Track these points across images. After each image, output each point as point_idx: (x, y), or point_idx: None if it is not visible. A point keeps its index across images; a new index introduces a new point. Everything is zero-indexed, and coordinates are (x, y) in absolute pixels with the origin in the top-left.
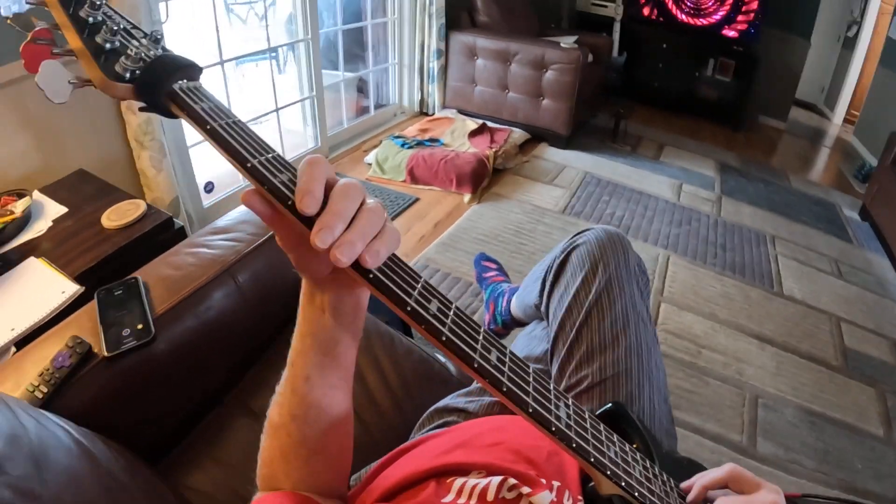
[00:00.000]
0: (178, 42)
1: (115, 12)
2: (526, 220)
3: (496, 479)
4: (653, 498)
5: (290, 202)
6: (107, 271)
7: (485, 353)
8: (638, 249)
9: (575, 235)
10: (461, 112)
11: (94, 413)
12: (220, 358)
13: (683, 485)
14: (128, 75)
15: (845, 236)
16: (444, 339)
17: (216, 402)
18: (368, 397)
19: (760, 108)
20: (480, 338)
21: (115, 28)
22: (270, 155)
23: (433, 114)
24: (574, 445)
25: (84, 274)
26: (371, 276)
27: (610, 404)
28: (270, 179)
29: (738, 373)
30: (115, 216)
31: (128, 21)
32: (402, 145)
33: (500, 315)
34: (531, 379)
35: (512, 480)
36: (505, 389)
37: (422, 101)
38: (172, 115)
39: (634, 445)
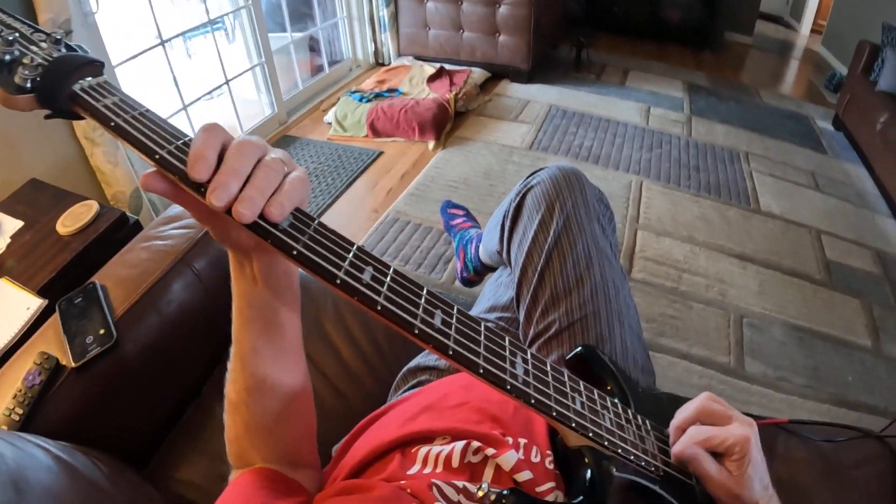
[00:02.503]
0: (115, 30)
1: (12, 18)
2: (494, 161)
3: (460, 445)
4: (625, 445)
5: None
6: (69, 279)
7: (427, 317)
8: (609, 178)
9: (528, 177)
10: (417, 58)
11: (72, 425)
12: (190, 349)
13: (675, 450)
14: (28, 84)
15: (820, 148)
16: (379, 308)
17: (194, 393)
18: (342, 366)
19: (726, 24)
20: (422, 301)
21: (11, 37)
22: (181, 141)
23: (389, 64)
24: (533, 401)
25: (46, 286)
26: (295, 252)
27: (580, 349)
28: (174, 163)
29: (721, 294)
30: (70, 221)
31: (28, 25)
32: (361, 100)
33: (470, 262)
34: (482, 338)
35: (476, 443)
36: (451, 352)
37: (376, 52)
38: (78, 117)
39: (608, 388)
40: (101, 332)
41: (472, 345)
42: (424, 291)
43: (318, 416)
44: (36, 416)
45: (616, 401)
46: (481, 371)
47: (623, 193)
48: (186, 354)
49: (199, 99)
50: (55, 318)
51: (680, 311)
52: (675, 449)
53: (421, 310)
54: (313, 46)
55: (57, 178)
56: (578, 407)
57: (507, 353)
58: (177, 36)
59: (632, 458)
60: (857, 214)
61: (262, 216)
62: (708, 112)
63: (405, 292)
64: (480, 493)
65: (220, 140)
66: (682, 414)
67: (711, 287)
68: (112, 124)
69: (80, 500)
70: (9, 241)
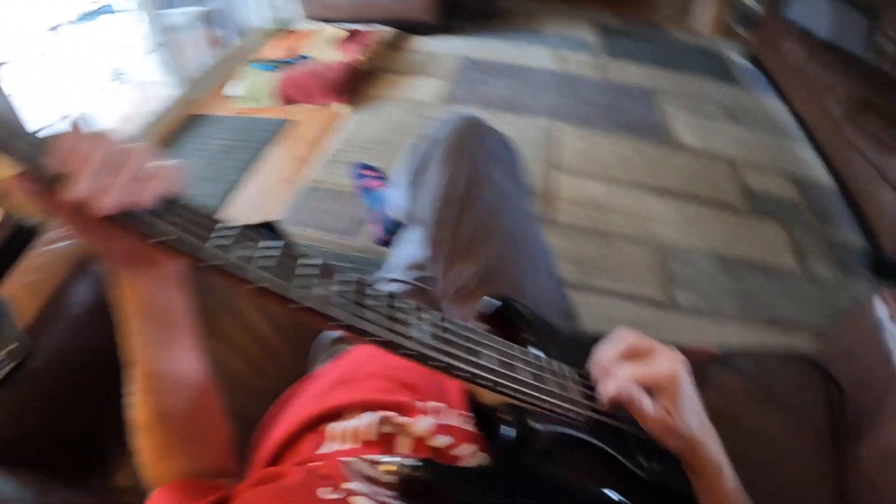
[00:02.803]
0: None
1: None
2: (409, 119)
3: (371, 417)
4: (545, 396)
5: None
6: None
7: (319, 288)
8: (525, 124)
9: (430, 130)
10: (323, 21)
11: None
12: (107, 349)
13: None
14: None
15: (734, 81)
16: (250, 287)
17: (120, 393)
18: (260, 343)
19: None
20: (305, 271)
21: None
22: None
23: (294, 29)
24: (432, 363)
25: None
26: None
27: (493, 300)
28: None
29: (645, 231)
30: None
31: None
32: (267, 69)
33: (386, 224)
34: (369, 301)
35: (387, 413)
36: (340, 320)
37: (280, 19)
38: None
39: (527, 338)
40: (12, 347)
41: (358, 310)
42: (310, 262)
43: (247, 398)
44: None
45: (535, 351)
46: (371, 336)
47: (540, 139)
48: (104, 355)
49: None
50: None
51: (605, 251)
52: (608, 391)
53: (297, 281)
54: (213, 19)
55: None
56: (487, 363)
57: (406, 316)
58: (72, 21)
59: (555, 409)
60: (774, 143)
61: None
62: (619, 52)
63: (285, 262)
64: (393, 468)
65: (75, 135)
66: (603, 353)
67: (634, 224)
68: None
69: None
70: None
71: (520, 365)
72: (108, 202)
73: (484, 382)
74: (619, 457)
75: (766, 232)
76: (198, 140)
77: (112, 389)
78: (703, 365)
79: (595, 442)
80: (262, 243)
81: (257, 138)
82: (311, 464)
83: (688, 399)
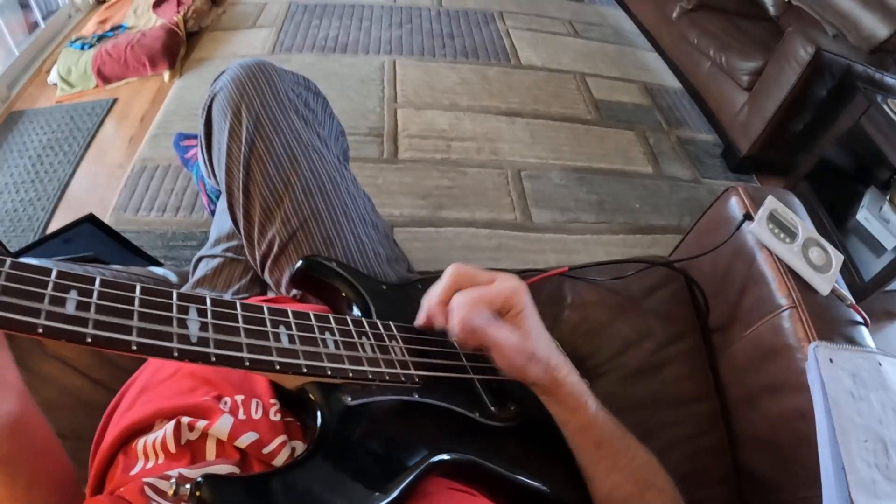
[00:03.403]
0: None
1: None
2: None
3: (171, 426)
4: (357, 365)
5: None
6: None
7: (55, 304)
8: (361, 63)
9: (211, 84)
10: None
11: None
12: None
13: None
14: None
15: None
16: None
17: None
18: (88, 353)
19: None
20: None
21: None
22: None
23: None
24: (214, 359)
25: None
26: None
27: (299, 262)
28: None
29: (493, 154)
30: None
31: None
32: (83, 47)
33: (212, 192)
34: (133, 306)
35: (186, 419)
36: (90, 339)
37: None
38: None
39: (344, 296)
40: None
41: (116, 319)
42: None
43: (88, 415)
44: None
45: (346, 317)
46: (134, 348)
47: (377, 76)
48: None
49: None
50: None
51: (455, 180)
52: (458, 322)
53: (47, 299)
54: (24, 2)
55: None
56: (284, 343)
57: (173, 313)
58: None
59: (370, 376)
60: (618, 53)
61: None
62: None
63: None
64: (171, 492)
65: None
66: (438, 287)
67: (483, 149)
68: None
69: None
70: None
71: (325, 336)
72: None
73: (277, 367)
74: (458, 409)
75: (619, 140)
76: (19, 139)
77: None
78: (558, 284)
79: (423, 400)
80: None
81: (84, 126)
82: (120, 489)
83: (534, 317)
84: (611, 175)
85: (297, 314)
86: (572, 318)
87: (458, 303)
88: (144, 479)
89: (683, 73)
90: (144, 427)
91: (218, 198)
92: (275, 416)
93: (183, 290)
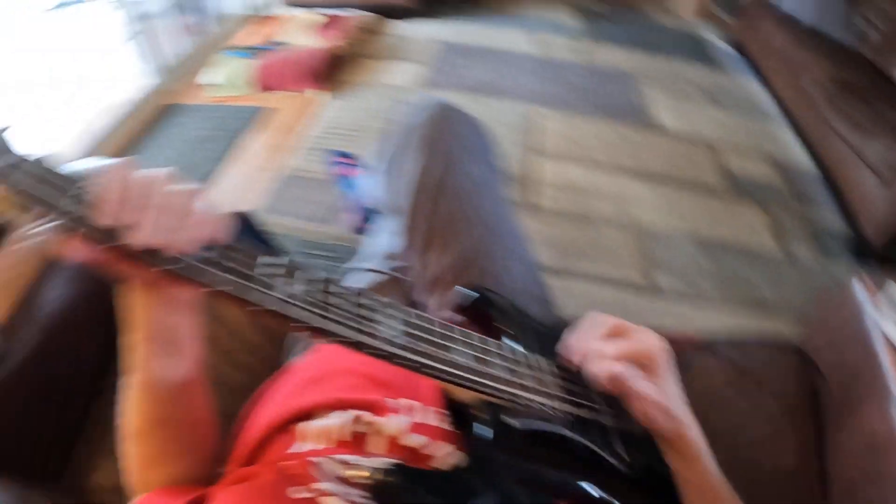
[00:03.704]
0: None
1: None
2: (387, 105)
3: (343, 416)
4: (522, 392)
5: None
6: None
7: (264, 291)
8: (506, 109)
9: (403, 119)
10: (300, 6)
11: None
12: (82, 347)
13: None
14: None
15: (716, 65)
16: (207, 290)
17: (96, 392)
18: (237, 337)
19: None
20: (267, 271)
21: None
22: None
23: (271, 15)
24: (400, 361)
25: None
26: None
27: (471, 292)
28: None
29: (626, 214)
30: None
31: None
32: (243, 56)
33: (361, 212)
34: (338, 300)
35: (358, 413)
36: (304, 322)
37: (255, 5)
38: None
39: (507, 330)
40: None
41: (320, 310)
42: (260, 259)
43: (227, 396)
44: None
45: (513, 345)
46: (334, 335)
47: (520, 123)
48: (79, 354)
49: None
50: None
51: (586, 235)
52: (601, 371)
53: (256, 282)
54: (187, 6)
55: None
56: (461, 359)
57: (373, 313)
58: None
59: (531, 404)
60: (754, 126)
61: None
62: (602, 36)
63: (238, 262)
64: (365, 473)
65: (121, 179)
66: (582, 336)
67: (616, 208)
68: None
69: None
70: None
71: (494, 360)
72: (173, 247)
73: (456, 380)
74: (599, 450)
75: (747, 214)
76: (173, 130)
77: (87, 391)
78: (684, 351)
79: (573, 436)
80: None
81: (233, 127)
82: (282, 463)
83: (673, 378)
84: (735, 248)
85: (465, 333)
86: (694, 384)
87: (610, 352)
88: (314, 459)
89: (818, 154)
90: (306, 414)
91: (367, 217)
92: (441, 424)
93: None
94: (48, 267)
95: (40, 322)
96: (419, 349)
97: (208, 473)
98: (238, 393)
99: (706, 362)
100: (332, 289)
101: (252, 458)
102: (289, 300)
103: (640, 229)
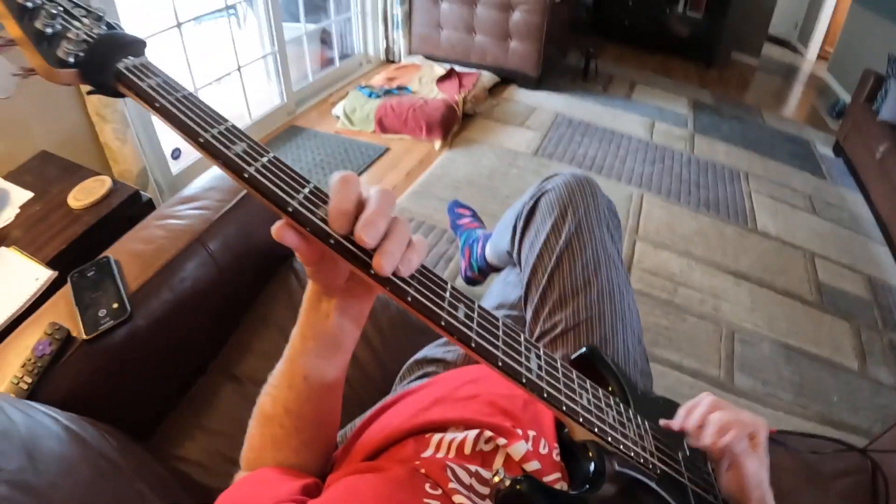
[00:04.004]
0: (131, 8)
1: None
2: (499, 164)
3: (473, 433)
4: (626, 441)
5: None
6: (79, 252)
7: (452, 309)
8: (611, 189)
9: (543, 181)
10: (428, 58)
11: (80, 397)
12: (200, 327)
13: (663, 422)
14: (71, 59)
15: (819, 172)
16: (409, 299)
17: (200, 370)
18: (352, 358)
19: (733, 44)
20: (447, 294)
21: (55, 11)
22: (223, 126)
23: (399, 61)
24: (545, 395)
25: (56, 258)
26: (332, 241)
27: (584, 349)
28: (255, 174)
29: (714, 309)
30: (82, 195)
31: (69, 0)
32: (370, 95)
33: (475, 262)
34: (500, 332)
35: (488, 433)
36: (474, 345)
37: (387, 49)
38: (121, 95)
39: (609, 388)
40: (115, 305)
41: (491, 338)
42: (450, 286)
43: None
44: (44, 385)
45: (618, 400)
46: (500, 364)
47: (624, 205)
48: (196, 332)
49: (209, 84)
50: (66, 289)
51: (674, 323)
52: (721, 440)
53: (447, 303)
54: (325, 39)
55: (65, 152)
56: (585, 403)
57: (523, 349)
58: (192, 19)
59: (632, 454)
60: (851, 239)
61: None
62: (711, 130)
63: (432, 285)
64: (497, 479)
65: (356, 193)
66: (693, 409)
67: (705, 301)
68: (157, 105)
69: (89, 469)
70: (17, 211)
71: (608, 409)
72: (388, 268)
73: (580, 419)
74: None
75: (833, 327)
76: (294, 150)
77: (194, 368)
78: None
79: (661, 492)
80: None
81: (355, 160)
82: (417, 463)
83: (767, 455)
84: (817, 361)
85: (582, 377)
86: None
87: (723, 421)
88: (449, 463)
89: None
90: (441, 426)
91: (480, 268)
92: (556, 457)
93: None
94: (191, 249)
95: (171, 297)
96: (553, 384)
97: (317, 469)
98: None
99: (778, 456)
100: (486, 315)
101: (376, 456)
102: (464, 321)
103: (726, 326)
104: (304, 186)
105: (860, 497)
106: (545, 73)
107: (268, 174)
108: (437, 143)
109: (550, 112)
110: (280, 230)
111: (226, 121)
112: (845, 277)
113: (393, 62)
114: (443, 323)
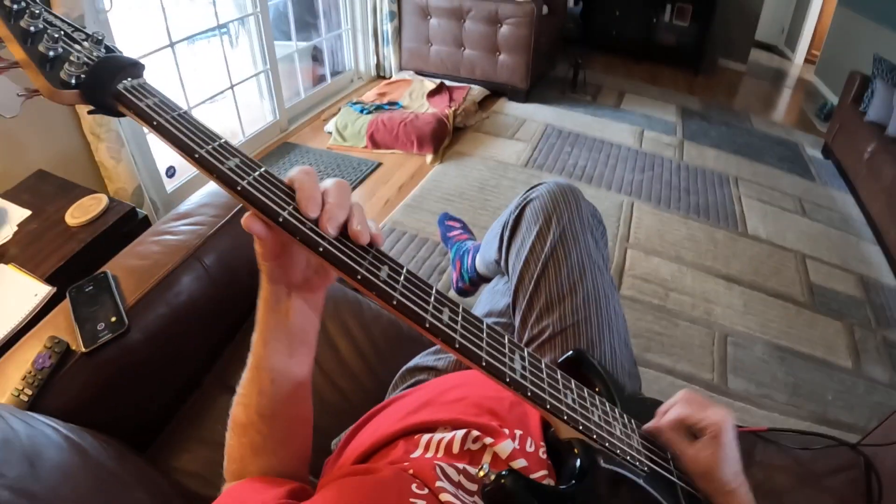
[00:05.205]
0: (125, 29)
1: (56, 17)
2: (489, 176)
3: (461, 433)
4: (612, 439)
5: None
6: (76, 269)
7: (436, 312)
8: (602, 198)
9: (528, 191)
10: (418, 73)
11: (79, 408)
12: (195, 340)
13: (647, 426)
14: (73, 81)
15: (808, 175)
16: (394, 302)
17: (196, 383)
18: (341, 364)
19: (720, 51)
20: (432, 299)
21: (57, 35)
22: (217, 143)
23: (390, 77)
24: (529, 394)
25: (54, 274)
26: (321, 249)
27: (571, 352)
28: (235, 177)
29: (706, 313)
30: (79, 213)
31: (69, 24)
32: (361, 111)
33: (466, 273)
34: (484, 334)
35: (475, 432)
36: (458, 346)
37: (378, 65)
38: (120, 115)
39: (596, 390)
40: (113, 319)
41: (475, 340)
42: (434, 290)
43: (318, 410)
44: (44, 397)
45: (604, 400)
46: (484, 364)
47: (614, 213)
48: (191, 345)
49: (202, 102)
50: (65, 304)
51: (666, 328)
52: (656, 424)
53: (431, 306)
54: (316, 56)
55: (61, 171)
56: (570, 402)
57: (507, 350)
58: (187, 38)
59: (618, 451)
60: (841, 239)
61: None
62: (700, 136)
63: (417, 290)
64: (481, 473)
65: (317, 181)
66: (666, 404)
67: (697, 306)
68: (155, 123)
69: (89, 478)
70: (16, 228)
71: (594, 409)
72: (365, 235)
73: (564, 417)
74: (665, 502)
75: (826, 327)
76: (288, 166)
77: (190, 380)
78: (752, 442)
79: (647, 488)
80: (387, 266)
81: (347, 176)
82: (402, 464)
83: (726, 448)
84: (811, 360)
85: (566, 378)
86: (756, 476)
87: (668, 414)
88: (437, 462)
89: None
90: (430, 427)
91: (471, 279)
92: (542, 455)
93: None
94: (189, 261)
95: (165, 310)
96: (538, 383)
97: (299, 471)
98: (330, 411)
99: (769, 454)
100: (470, 318)
101: (366, 458)
102: (448, 323)
103: (718, 329)
104: (293, 198)
105: (853, 492)
106: (534, 84)
107: (259, 186)
108: (429, 157)
109: (540, 123)
110: (248, 220)
111: (220, 137)
112: (837, 277)
113: (384, 78)
114: (427, 325)
